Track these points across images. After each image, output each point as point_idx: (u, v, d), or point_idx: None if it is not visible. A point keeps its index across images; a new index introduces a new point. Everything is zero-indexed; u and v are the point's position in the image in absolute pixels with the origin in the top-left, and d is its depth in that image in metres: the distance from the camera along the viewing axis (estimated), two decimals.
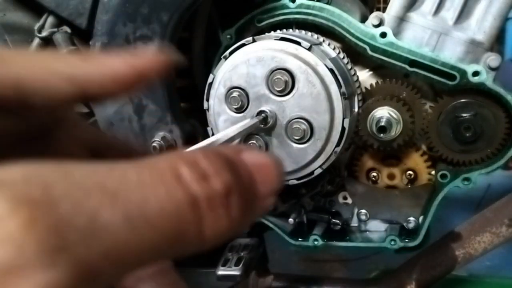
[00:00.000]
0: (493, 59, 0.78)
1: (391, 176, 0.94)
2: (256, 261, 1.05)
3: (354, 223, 0.97)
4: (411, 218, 0.90)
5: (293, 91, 0.75)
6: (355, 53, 0.85)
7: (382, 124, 0.82)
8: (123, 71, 0.30)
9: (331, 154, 0.77)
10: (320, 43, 0.82)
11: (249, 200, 0.26)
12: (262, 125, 0.75)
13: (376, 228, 0.95)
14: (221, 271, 0.95)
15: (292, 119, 0.75)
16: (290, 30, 0.86)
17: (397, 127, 0.83)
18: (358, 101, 0.83)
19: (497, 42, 0.85)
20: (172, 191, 0.23)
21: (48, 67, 0.28)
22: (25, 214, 0.18)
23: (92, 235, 0.20)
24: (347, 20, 0.81)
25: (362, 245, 0.92)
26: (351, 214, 0.97)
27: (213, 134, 0.84)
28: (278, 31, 0.85)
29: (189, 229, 0.23)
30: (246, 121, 0.72)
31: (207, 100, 0.82)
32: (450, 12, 0.81)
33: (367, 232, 0.95)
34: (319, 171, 0.79)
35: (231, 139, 0.62)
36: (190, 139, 0.83)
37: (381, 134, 0.83)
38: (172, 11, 0.80)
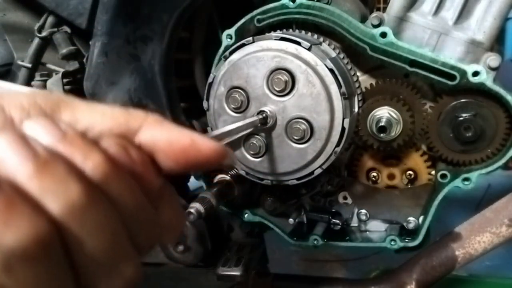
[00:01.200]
0: (493, 59, 0.78)
1: (391, 176, 0.94)
2: (256, 261, 1.05)
3: (354, 223, 0.97)
4: (411, 218, 0.90)
5: (293, 91, 0.75)
6: (355, 53, 0.85)
7: (382, 124, 0.82)
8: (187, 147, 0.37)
9: (331, 154, 0.77)
10: (320, 43, 0.82)
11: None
12: (262, 125, 0.75)
13: (376, 228, 0.95)
14: (221, 271, 0.95)
15: (292, 119, 0.75)
16: (290, 30, 0.86)
17: (397, 127, 0.83)
18: (358, 101, 0.83)
19: (497, 42, 0.84)
20: None
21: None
22: None
23: None
24: (347, 20, 0.81)
25: (362, 245, 0.92)
26: (351, 214, 0.97)
27: None
28: (278, 31, 0.85)
29: None
30: (246, 120, 0.72)
31: (207, 100, 0.82)
32: (450, 12, 0.81)
33: (367, 232, 0.95)
34: (319, 171, 0.79)
35: (229, 132, 0.61)
36: None
37: (381, 134, 0.83)
38: (172, 11, 0.80)
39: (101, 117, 0.36)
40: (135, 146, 0.36)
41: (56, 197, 0.29)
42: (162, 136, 0.37)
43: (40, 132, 0.32)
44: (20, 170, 0.29)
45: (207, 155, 0.37)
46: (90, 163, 0.31)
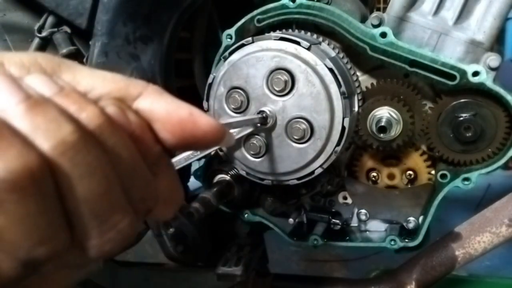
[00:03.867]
0: (493, 59, 0.78)
1: (391, 176, 0.94)
2: (256, 261, 1.05)
3: (354, 223, 0.97)
4: (411, 218, 0.90)
5: (293, 91, 0.75)
6: (355, 53, 0.85)
7: (382, 124, 0.82)
8: (182, 118, 0.36)
9: (331, 154, 0.77)
10: (320, 43, 0.82)
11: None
12: (262, 125, 0.75)
13: (376, 228, 0.95)
14: (221, 271, 0.95)
15: (292, 119, 0.75)
16: (290, 30, 0.86)
17: (397, 127, 0.83)
18: (358, 100, 0.83)
19: (497, 42, 0.84)
20: None
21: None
22: None
23: None
24: (347, 20, 0.81)
25: (362, 245, 0.92)
26: (351, 214, 0.97)
27: None
28: (278, 31, 0.85)
29: None
30: (246, 116, 0.72)
31: (207, 100, 0.82)
32: (450, 12, 0.81)
33: (367, 232, 0.95)
34: (319, 170, 0.79)
35: (229, 125, 0.61)
36: None
37: (381, 134, 0.83)
38: (172, 11, 0.80)
39: (102, 81, 0.35)
40: (133, 110, 0.36)
41: (47, 135, 0.29)
42: (160, 105, 0.36)
43: (37, 85, 0.31)
44: (10, 108, 0.29)
45: (204, 130, 0.36)
46: (85, 114, 0.31)
